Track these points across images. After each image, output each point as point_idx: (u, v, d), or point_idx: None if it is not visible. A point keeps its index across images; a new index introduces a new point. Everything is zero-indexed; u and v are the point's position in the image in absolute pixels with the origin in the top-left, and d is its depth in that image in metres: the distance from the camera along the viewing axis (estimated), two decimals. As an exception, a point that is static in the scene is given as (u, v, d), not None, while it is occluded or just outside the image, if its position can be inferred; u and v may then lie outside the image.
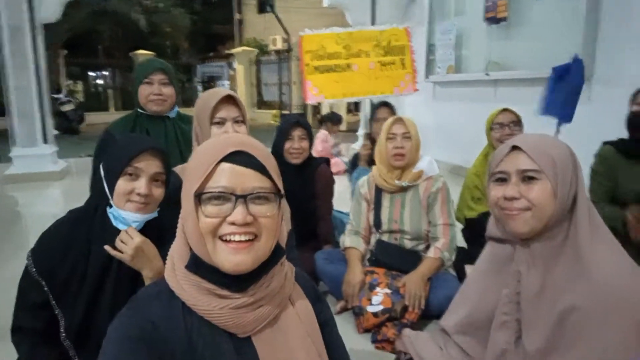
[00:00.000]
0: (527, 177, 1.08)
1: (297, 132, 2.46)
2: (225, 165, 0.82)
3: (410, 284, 2.05)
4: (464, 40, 5.67)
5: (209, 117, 1.59)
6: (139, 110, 2.13)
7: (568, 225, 1.08)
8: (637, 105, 2.20)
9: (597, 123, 3.84)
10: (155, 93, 2.07)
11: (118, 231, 1.26)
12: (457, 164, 5.75)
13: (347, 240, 2.36)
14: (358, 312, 2.06)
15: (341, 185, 3.29)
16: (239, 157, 0.83)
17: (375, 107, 3.17)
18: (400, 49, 3.25)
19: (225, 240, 0.81)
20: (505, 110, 2.56)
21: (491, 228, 1.25)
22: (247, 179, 0.82)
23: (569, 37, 4.07)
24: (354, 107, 15.70)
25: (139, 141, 1.30)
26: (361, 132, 6.96)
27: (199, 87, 21.36)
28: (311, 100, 3.03)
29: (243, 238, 0.81)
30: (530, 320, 1.09)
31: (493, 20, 5.03)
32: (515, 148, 1.12)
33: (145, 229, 1.29)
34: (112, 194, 1.24)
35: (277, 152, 2.48)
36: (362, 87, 3.13)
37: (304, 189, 2.48)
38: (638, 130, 2.19)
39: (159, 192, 1.29)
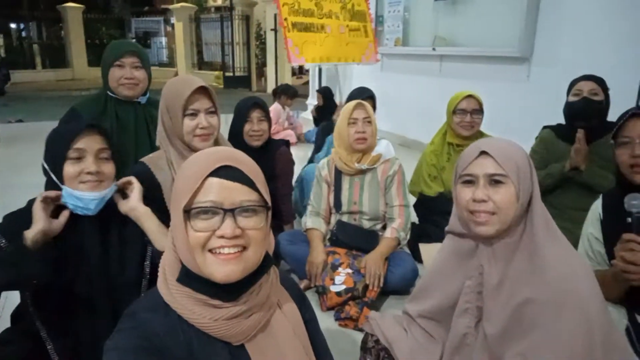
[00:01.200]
0: (494, 181, 1.17)
1: (255, 114, 2.44)
2: (213, 180, 0.84)
3: (370, 263, 2.17)
4: (412, 13, 5.75)
5: (182, 109, 1.57)
6: (109, 93, 2.05)
7: (524, 223, 1.19)
8: (573, 96, 2.38)
9: (535, 101, 4.11)
10: (127, 77, 1.99)
11: (79, 218, 1.27)
12: (403, 135, 5.94)
13: (308, 221, 2.44)
14: (321, 292, 2.18)
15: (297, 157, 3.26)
16: (226, 172, 0.85)
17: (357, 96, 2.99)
18: (362, 15, 3.32)
19: (215, 253, 0.84)
20: (469, 96, 2.60)
21: (453, 224, 1.33)
22: (235, 193, 0.84)
23: (511, 17, 4.25)
24: (299, 70, 15.49)
25: (74, 124, 1.31)
26: (311, 101, 6.88)
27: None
28: (294, 62, 3.06)
29: (232, 250, 0.84)
30: (490, 309, 1.21)
31: (440, -5, 5.13)
32: (482, 153, 1.20)
33: (108, 211, 1.31)
34: (62, 183, 1.25)
35: (236, 135, 2.47)
36: (336, 52, 3.19)
37: (265, 171, 2.46)
38: (573, 118, 2.38)
39: (108, 167, 1.32)
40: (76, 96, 10.82)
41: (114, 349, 0.82)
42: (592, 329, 1.05)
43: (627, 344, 1.21)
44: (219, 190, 0.84)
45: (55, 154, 1.25)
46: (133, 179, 1.42)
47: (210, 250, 0.84)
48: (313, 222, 2.44)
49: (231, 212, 0.83)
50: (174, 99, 1.57)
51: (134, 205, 1.36)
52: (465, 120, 2.57)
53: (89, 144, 1.26)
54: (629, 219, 1.43)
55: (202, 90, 1.61)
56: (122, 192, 1.40)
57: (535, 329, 1.11)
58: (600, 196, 1.68)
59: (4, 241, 1.22)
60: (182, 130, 1.58)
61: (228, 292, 0.86)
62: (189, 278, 0.86)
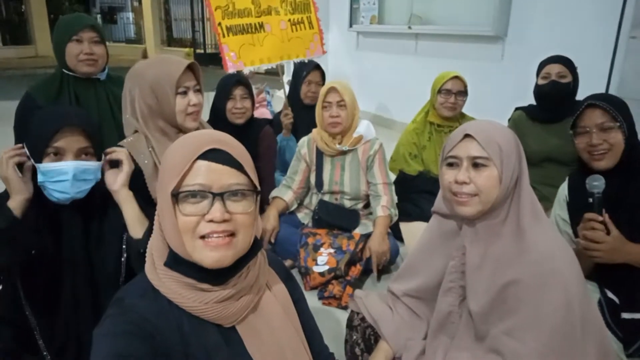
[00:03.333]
0: (477, 164, 1.20)
1: (238, 91, 2.42)
2: (201, 163, 0.83)
3: (374, 245, 2.19)
4: (387, -10, 5.71)
5: (174, 88, 1.54)
6: (65, 71, 1.95)
7: (509, 205, 1.22)
8: (542, 79, 2.43)
9: (509, 80, 4.17)
10: (85, 52, 1.90)
11: (57, 207, 1.25)
12: (378, 114, 5.96)
13: (275, 191, 2.48)
14: (304, 272, 2.20)
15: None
16: (215, 155, 0.84)
17: (303, 68, 3.01)
18: (306, 5, 3.11)
19: (205, 239, 0.83)
20: (456, 77, 2.60)
21: (439, 204, 1.36)
22: (224, 176, 0.83)
23: (486, -4, 4.27)
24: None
25: (55, 117, 1.24)
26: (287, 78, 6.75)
27: (99, 19, 19.40)
28: (231, 69, 2.81)
29: (222, 235, 0.83)
30: (473, 288, 1.26)
31: (416, -28, 5.10)
32: (467, 135, 1.22)
33: (88, 201, 1.29)
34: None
35: (219, 112, 2.44)
36: (278, 51, 2.99)
37: (248, 149, 2.44)
38: (543, 100, 2.45)
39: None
40: (41, 74, 10.37)
41: (105, 334, 0.81)
42: (572, 306, 1.10)
43: (601, 318, 1.28)
44: (207, 173, 0.82)
45: (34, 147, 1.21)
46: (123, 155, 1.36)
47: (200, 237, 0.83)
48: (279, 191, 2.48)
49: (220, 195, 0.82)
50: (163, 78, 1.54)
51: (116, 187, 1.33)
52: (449, 101, 2.58)
53: (69, 143, 1.21)
54: (590, 199, 1.51)
55: (188, 68, 1.58)
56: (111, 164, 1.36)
57: (520, 308, 1.15)
58: (567, 178, 1.75)
59: None
60: (173, 109, 1.55)
61: (216, 276, 0.85)
62: (177, 262, 0.86)
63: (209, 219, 0.82)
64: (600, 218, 1.48)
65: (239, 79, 2.47)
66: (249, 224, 0.86)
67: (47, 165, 1.19)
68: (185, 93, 1.57)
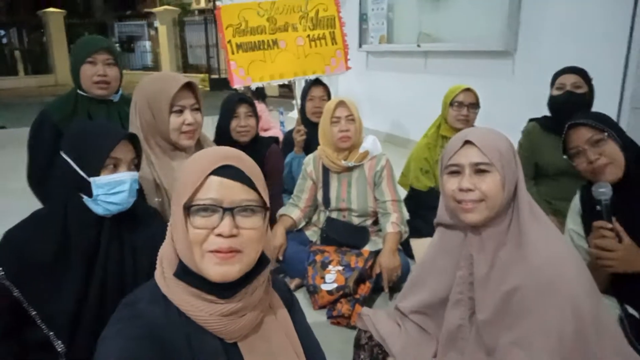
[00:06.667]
0: (479, 170, 1.18)
1: (242, 110, 2.43)
2: (214, 179, 0.86)
3: (385, 261, 2.15)
4: (395, 10, 5.75)
5: (168, 105, 1.54)
6: (79, 92, 1.99)
7: (511, 211, 1.20)
8: (557, 89, 2.39)
9: (520, 95, 4.13)
10: (99, 74, 1.94)
11: (99, 219, 1.25)
12: (389, 132, 5.95)
13: (282, 209, 2.47)
14: (312, 291, 2.16)
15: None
16: (228, 171, 0.87)
17: (307, 85, 3.00)
18: (330, 20, 3.01)
19: (211, 251, 0.85)
20: (467, 89, 2.59)
21: (441, 215, 1.34)
22: (235, 192, 0.86)
23: (494, 12, 4.27)
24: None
25: (110, 130, 1.29)
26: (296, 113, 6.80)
27: (118, 48, 19.93)
28: (237, 84, 2.78)
29: (228, 249, 0.84)
30: (482, 298, 1.21)
31: (424, -9, 5.14)
32: (466, 142, 1.21)
33: (123, 215, 1.30)
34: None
35: (223, 131, 2.45)
36: (291, 67, 2.92)
37: None
38: (558, 112, 2.40)
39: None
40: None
41: (114, 338, 0.82)
42: (581, 313, 1.06)
43: (618, 329, 1.22)
44: (219, 189, 0.85)
45: (92, 161, 1.23)
46: None
47: (207, 251, 0.85)
48: (286, 209, 2.47)
49: (230, 210, 0.85)
50: (159, 95, 1.54)
51: None
52: (461, 113, 2.57)
53: (125, 154, 1.27)
54: (598, 207, 1.47)
55: (187, 87, 1.58)
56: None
57: (525, 316, 1.11)
58: (578, 191, 1.70)
59: (9, 284, 1.17)
60: (167, 127, 1.55)
61: (223, 289, 0.87)
62: (186, 273, 0.88)
63: (218, 233, 0.84)
64: (610, 225, 1.44)
65: (243, 97, 2.48)
66: (257, 239, 0.88)
67: (104, 178, 1.21)
68: (180, 112, 1.56)
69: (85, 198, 1.23)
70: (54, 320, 1.22)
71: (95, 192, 1.21)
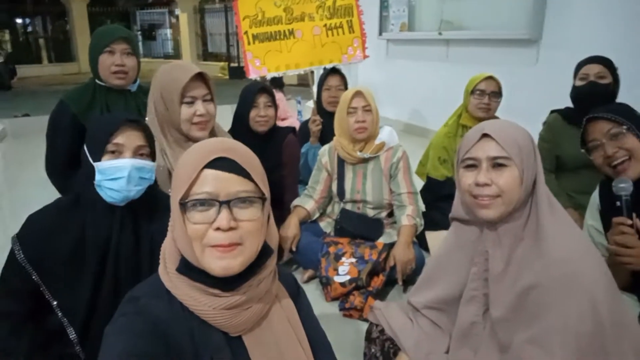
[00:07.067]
0: (497, 164, 1.14)
1: (262, 99, 2.41)
2: (208, 172, 0.84)
3: (399, 254, 2.12)
4: (417, -3, 5.65)
5: (179, 96, 1.54)
6: (97, 81, 2.00)
7: (530, 207, 1.16)
8: (580, 80, 2.31)
9: (544, 84, 4.02)
10: (117, 64, 1.94)
11: (110, 208, 1.24)
12: (409, 122, 5.87)
13: (296, 200, 2.45)
14: (325, 282, 2.15)
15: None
16: (222, 163, 0.85)
17: (324, 75, 2.97)
18: (347, 9, 2.99)
19: (212, 247, 0.83)
20: (489, 77, 2.54)
21: (457, 210, 1.30)
22: (231, 184, 0.85)
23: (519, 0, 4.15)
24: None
25: (114, 116, 1.28)
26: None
27: (139, 36, 20.12)
28: (253, 74, 2.76)
29: (228, 242, 0.83)
30: (497, 295, 1.18)
31: (446, -22, 5.02)
32: (484, 135, 1.16)
33: (139, 204, 1.29)
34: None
35: (242, 120, 2.43)
36: (308, 57, 2.91)
37: (271, 158, 2.43)
38: (580, 103, 2.32)
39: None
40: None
41: (119, 332, 0.82)
42: (599, 311, 1.02)
43: (639, 328, 1.18)
44: (214, 182, 0.84)
45: (94, 146, 1.23)
46: None
47: (208, 246, 0.84)
48: (300, 200, 2.45)
49: (227, 203, 0.83)
50: (170, 86, 1.54)
51: None
52: (483, 101, 2.51)
53: (129, 139, 1.24)
54: (618, 203, 1.44)
55: (199, 77, 1.57)
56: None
57: (542, 314, 1.08)
58: (597, 186, 1.65)
59: (31, 270, 1.19)
60: (178, 117, 1.54)
61: (227, 282, 0.86)
62: (188, 269, 0.87)
63: (216, 227, 0.82)
64: (630, 222, 1.40)
65: (263, 87, 2.46)
66: (256, 231, 0.86)
67: (104, 163, 1.21)
68: (191, 102, 1.55)
69: (95, 185, 1.23)
70: (70, 310, 1.23)
71: (97, 177, 1.21)
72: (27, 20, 18.25)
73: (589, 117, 1.54)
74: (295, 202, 2.45)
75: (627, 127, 1.46)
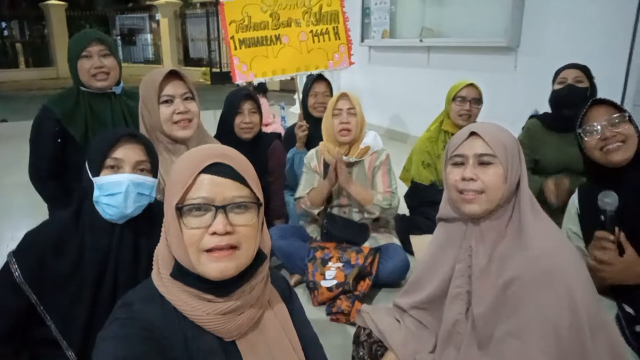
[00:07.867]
0: (483, 162, 1.18)
1: (247, 106, 2.41)
2: (204, 177, 0.85)
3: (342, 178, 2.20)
4: (398, 4, 5.72)
5: (156, 96, 1.53)
6: (81, 87, 1.98)
7: (513, 205, 1.21)
8: (558, 84, 2.38)
9: (522, 90, 4.12)
10: (96, 66, 1.92)
11: (110, 226, 1.22)
12: (391, 127, 5.94)
13: (297, 193, 2.43)
14: (312, 287, 2.15)
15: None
16: (217, 168, 0.86)
17: (309, 81, 2.99)
18: (333, 15, 3.00)
19: (208, 251, 0.84)
20: (471, 85, 2.59)
21: (443, 210, 1.34)
22: (227, 189, 0.86)
23: (498, 7, 4.25)
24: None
25: (114, 131, 1.26)
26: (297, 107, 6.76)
27: (119, 41, 19.88)
28: (239, 80, 2.75)
29: (224, 246, 0.84)
30: (479, 291, 1.21)
31: (427, -14, 5.10)
32: (472, 134, 1.21)
33: (138, 222, 1.27)
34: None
35: (227, 127, 2.43)
36: (294, 62, 2.90)
37: (257, 164, 2.40)
38: (559, 108, 2.39)
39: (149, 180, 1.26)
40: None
41: (111, 338, 0.82)
42: (577, 306, 1.05)
43: (614, 325, 1.22)
44: (210, 187, 0.84)
45: (93, 160, 1.20)
46: None
47: (204, 251, 0.84)
48: (302, 190, 2.41)
49: (222, 208, 0.84)
50: (148, 88, 1.54)
51: None
52: (464, 108, 2.56)
53: (128, 154, 1.21)
54: (602, 217, 1.45)
55: (176, 76, 1.57)
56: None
57: (521, 306, 1.11)
58: (576, 190, 1.69)
59: (27, 287, 1.16)
60: (159, 119, 1.54)
61: (221, 287, 0.86)
62: (182, 274, 0.87)
63: (212, 232, 0.83)
64: (612, 237, 1.42)
65: (248, 93, 2.46)
66: (252, 236, 0.87)
67: (102, 178, 1.18)
68: (170, 101, 1.55)
69: (94, 201, 1.21)
70: (66, 329, 1.21)
71: (95, 193, 1.19)
72: (4, 24, 17.88)
73: (594, 99, 1.57)
74: (299, 193, 2.40)
75: (628, 115, 1.51)
